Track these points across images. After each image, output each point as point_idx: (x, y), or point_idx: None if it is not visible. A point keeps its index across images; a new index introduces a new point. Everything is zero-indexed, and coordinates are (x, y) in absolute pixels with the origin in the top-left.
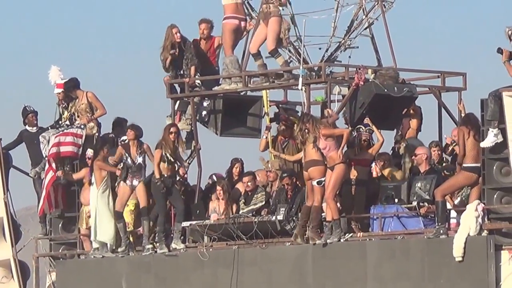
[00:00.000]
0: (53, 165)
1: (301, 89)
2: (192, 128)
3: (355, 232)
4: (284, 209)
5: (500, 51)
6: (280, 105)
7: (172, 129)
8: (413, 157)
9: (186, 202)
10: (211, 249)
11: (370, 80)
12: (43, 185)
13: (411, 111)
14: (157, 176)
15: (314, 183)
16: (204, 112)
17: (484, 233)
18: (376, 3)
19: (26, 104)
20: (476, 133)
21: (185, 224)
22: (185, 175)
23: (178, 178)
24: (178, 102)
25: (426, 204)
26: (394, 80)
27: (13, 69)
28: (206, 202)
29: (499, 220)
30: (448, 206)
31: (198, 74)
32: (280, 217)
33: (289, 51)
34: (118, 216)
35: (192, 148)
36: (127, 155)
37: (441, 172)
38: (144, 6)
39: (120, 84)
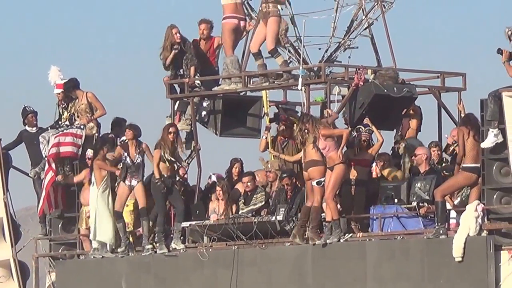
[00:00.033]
0: (53, 165)
1: (301, 90)
2: (192, 128)
3: (355, 232)
4: (283, 209)
5: (500, 51)
6: (280, 106)
7: (171, 129)
8: (413, 157)
9: (186, 202)
10: (210, 250)
11: (370, 81)
12: (42, 186)
13: (411, 112)
14: (157, 176)
15: (314, 183)
16: (203, 113)
17: (484, 233)
18: (376, 3)
19: (26, 104)
20: (476, 134)
21: (185, 224)
22: (185, 175)
23: (178, 178)
24: (177, 102)
25: (425, 204)
26: (394, 81)
27: (13, 69)
28: (206, 203)
29: (498, 221)
30: (448, 206)
31: (198, 74)
32: (279, 218)
33: (289, 51)
34: (117, 216)
35: (192, 148)
36: (126, 154)
37: (440, 173)
38: (144, 6)
39: (120, 84)
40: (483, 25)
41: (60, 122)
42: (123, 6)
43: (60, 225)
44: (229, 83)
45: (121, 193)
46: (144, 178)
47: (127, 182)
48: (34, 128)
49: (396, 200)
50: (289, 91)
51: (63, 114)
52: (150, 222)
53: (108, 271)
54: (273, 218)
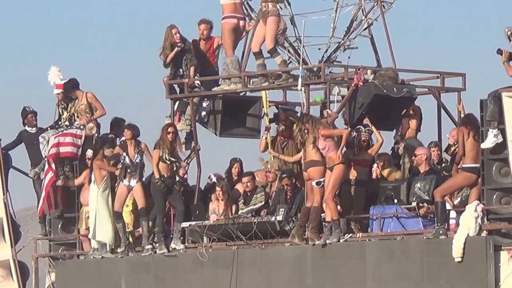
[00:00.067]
0: (53, 165)
1: (301, 90)
2: (192, 129)
3: (355, 232)
4: (283, 209)
5: (499, 52)
6: (280, 106)
7: (169, 129)
8: (413, 158)
9: (185, 203)
10: (210, 250)
11: (370, 81)
12: (42, 186)
13: (411, 112)
14: (157, 176)
15: (313, 183)
16: (203, 113)
17: (484, 233)
18: (376, 3)
19: (25, 104)
20: (476, 134)
21: (185, 224)
22: (185, 175)
23: (178, 178)
24: (177, 102)
25: (425, 204)
26: (394, 81)
27: (13, 69)
28: (205, 203)
29: (498, 221)
30: (448, 206)
31: (198, 74)
32: (279, 218)
33: (289, 51)
34: (117, 216)
35: (192, 148)
36: (125, 154)
37: (440, 173)
38: (144, 6)
39: (119, 84)
40: (483, 25)
41: (59, 123)
42: (123, 6)
43: (59, 226)
44: (228, 83)
45: (120, 193)
46: (144, 178)
47: (125, 182)
48: (34, 128)
49: (395, 200)
50: (289, 92)
51: (62, 115)
52: (150, 222)
53: (108, 271)
54: (273, 218)
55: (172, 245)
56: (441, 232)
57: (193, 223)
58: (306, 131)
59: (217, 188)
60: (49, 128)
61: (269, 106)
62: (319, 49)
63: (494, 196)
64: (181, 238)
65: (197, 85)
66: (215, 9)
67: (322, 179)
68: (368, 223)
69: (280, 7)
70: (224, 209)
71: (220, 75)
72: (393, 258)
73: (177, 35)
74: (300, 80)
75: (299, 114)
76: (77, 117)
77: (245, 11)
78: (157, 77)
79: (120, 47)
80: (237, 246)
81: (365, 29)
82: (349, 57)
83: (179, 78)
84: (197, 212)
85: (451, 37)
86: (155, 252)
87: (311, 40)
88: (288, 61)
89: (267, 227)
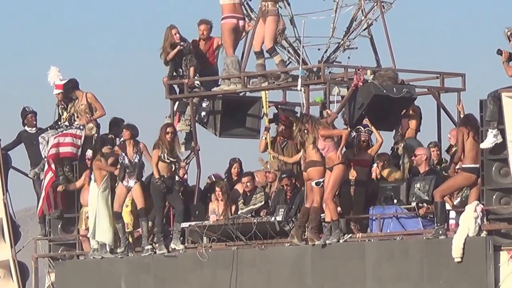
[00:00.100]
0: (53, 166)
1: (300, 90)
2: (191, 129)
3: (354, 233)
4: (283, 210)
5: (499, 52)
6: (279, 106)
7: (168, 129)
8: (413, 158)
9: (185, 203)
10: (210, 250)
11: (369, 81)
12: (42, 186)
13: (410, 112)
14: (156, 176)
15: (313, 184)
16: (203, 113)
17: (483, 233)
18: (375, 4)
19: (25, 104)
20: (476, 134)
21: (184, 225)
22: (185, 175)
23: (177, 178)
24: (177, 102)
25: (425, 204)
26: (393, 81)
27: (13, 69)
28: (205, 203)
29: (498, 221)
30: (447, 206)
31: (197, 75)
32: (279, 218)
33: (288, 51)
34: (116, 216)
35: (191, 148)
36: (123, 154)
37: (440, 173)
38: (143, 6)
39: (119, 84)
40: (482, 25)
41: (59, 123)
42: (123, 6)
43: (59, 226)
44: (228, 83)
45: (119, 193)
46: (144, 178)
47: (124, 182)
48: (34, 129)
49: (395, 201)
50: (289, 92)
51: (62, 115)
52: (150, 223)
53: (108, 272)
54: (273, 218)
55: (172, 246)
56: (440, 232)
57: (193, 223)
58: (305, 131)
59: (217, 189)
60: (48, 129)
61: (269, 107)
62: (319, 49)
63: (494, 197)
64: (181, 238)
65: (196, 85)
66: (215, 9)
67: (321, 180)
68: (367, 223)
69: (280, 7)
70: (224, 209)
71: (220, 75)
72: (393, 259)
73: (177, 35)
74: (299, 80)
75: (298, 115)
76: (77, 117)
77: (245, 11)
78: (157, 77)
79: (120, 47)
80: (236, 246)
81: (364, 29)
82: (348, 58)
83: (179, 78)
84: (197, 212)
85: (451, 37)
86: (155, 252)
87: (311, 40)
88: (287, 62)
89: (266, 227)
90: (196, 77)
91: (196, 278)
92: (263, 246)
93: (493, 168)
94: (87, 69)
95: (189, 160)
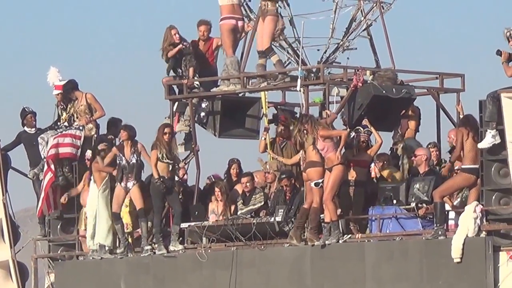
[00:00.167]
0: (52, 166)
1: (300, 91)
2: (191, 129)
3: (354, 233)
4: (282, 210)
5: (499, 53)
6: (279, 107)
7: (166, 130)
8: (413, 158)
9: (185, 203)
10: (209, 250)
11: (369, 82)
12: (41, 187)
13: (410, 112)
14: (156, 176)
15: (312, 184)
16: (202, 114)
17: (483, 234)
18: (375, 4)
19: (25, 105)
20: (475, 135)
21: (184, 225)
22: (185, 176)
23: (177, 179)
24: (176, 103)
25: (424, 205)
26: (393, 82)
27: (12, 69)
28: (205, 203)
29: (497, 221)
30: (447, 207)
31: (197, 75)
32: (278, 219)
33: (288, 52)
34: (115, 217)
35: (191, 149)
36: (121, 155)
37: (439, 174)
38: (143, 6)
39: (119, 84)
40: (482, 26)
41: (59, 123)
42: (123, 6)
43: (59, 226)
44: (228, 84)
45: (118, 194)
46: (144, 178)
47: (122, 184)
48: (33, 129)
49: (395, 201)
50: (288, 92)
51: (62, 115)
52: (149, 223)
53: (107, 272)
54: (272, 219)
55: (171, 247)
56: (440, 232)
57: (192, 223)
58: (305, 131)
59: (216, 189)
60: (48, 129)
61: (268, 107)
62: (318, 50)
63: (493, 197)
64: (180, 239)
65: (196, 86)
66: (215, 10)
67: (320, 180)
68: (367, 223)
69: (280, 6)
70: (223, 209)
71: (219, 75)
72: (392, 259)
73: (177, 35)
74: (299, 81)
75: (298, 115)
76: (77, 117)
77: (244, 12)
78: (157, 77)
79: (120, 47)
80: (236, 246)
81: (364, 30)
82: (348, 58)
83: (178, 79)
84: (196, 212)
85: (450, 38)
86: (154, 252)
87: (310, 41)
88: (287, 62)
89: (266, 227)
90: (195, 78)
91: (196, 278)
92: (262, 247)
93: (493, 169)
94: (87, 69)
95: (188, 161)
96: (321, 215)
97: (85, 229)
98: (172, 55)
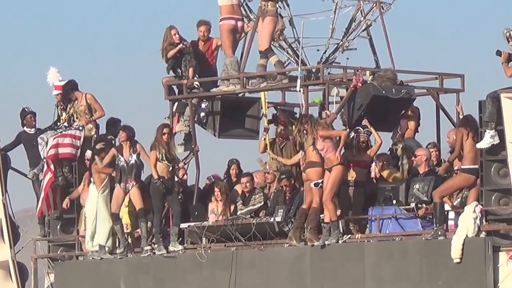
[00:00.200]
0: (52, 166)
1: (299, 91)
2: (191, 130)
3: (353, 233)
4: (282, 210)
5: (498, 53)
6: (278, 107)
7: (164, 130)
8: (413, 158)
9: (184, 203)
10: (209, 251)
11: (368, 82)
12: (41, 187)
13: (409, 113)
14: (155, 177)
15: (312, 185)
16: (202, 114)
17: (482, 234)
18: (374, 5)
19: (24, 105)
20: (475, 135)
21: (184, 225)
22: (185, 176)
23: (177, 179)
24: (176, 103)
25: (424, 205)
26: (392, 82)
27: (12, 69)
28: (205, 204)
29: (497, 222)
30: (447, 207)
31: (197, 75)
32: (278, 219)
33: (287, 52)
34: (114, 218)
35: (191, 149)
36: (120, 156)
37: (439, 174)
38: (144, 6)
39: (119, 85)
40: (482, 26)
41: (58, 124)
42: (122, 6)
43: (58, 226)
44: (227, 84)
45: (117, 195)
46: (144, 178)
47: (122, 184)
48: (33, 129)
49: (394, 201)
50: (288, 93)
51: (61, 116)
52: (149, 223)
53: (107, 272)
54: (272, 219)
55: (171, 248)
56: (439, 233)
57: (192, 224)
58: (305, 132)
59: (216, 189)
60: (48, 129)
61: (268, 107)
62: (318, 50)
63: (493, 197)
64: (180, 239)
65: (196, 86)
66: (214, 10)
67: (320, 180)
68: (366, 224)
69: (280, 7)
70: (223, 209)
71: (219, 76)
72: (392, 259)
73: (176, 35)
74: (299, 81)
75: (297, 115)
76: (76, 118)
77: (244, 12)
78: (157, 78)
79: (120, 47)
80: (236, 247)
81: (363, 30)
82: (347, 58)
83: (178, 79)
84: (196, 213)
85: (450, 38)
86: (154, 253)
87: (310, 41)
88: (287, 62)
89: (266, 228)
90: (195, 78)
91: (195, 278)
92: (262, 247)
93: (492, 169)
94: (87, 69)
95: (188, 161)
96: (321, 215)
97: (85, 229)
98: (172, 55)
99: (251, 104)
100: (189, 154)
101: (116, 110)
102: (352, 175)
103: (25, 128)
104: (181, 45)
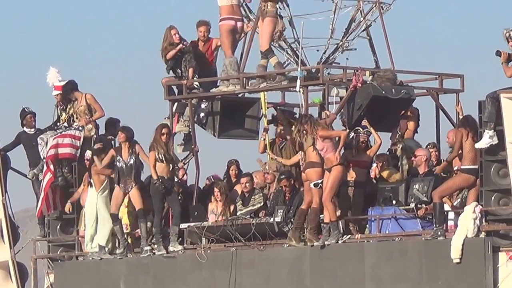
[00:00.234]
0: (51, 167)
1: (299, 91)
2: (190, 130)
3: (353, 233)
4: (282, 211)
5: (498, 53)
6: (278, 107)
7: (163, 130)
8: (413, 158)
9: (184, 204)
10: (209, 251)
11: (368, 82)
12: (41, 187)
13: (409, 113)
14: (154, 177)
15: (311, 185)
16: (202, 114)
17: (482, 234)
18: (374, 5)
19: (24, 105)
20: (475, 135)
21: (183, 225)
22: (185, 176)
23: (176, 179)
24: (176, 103)
25: (423, 205)
26: (392, 82)
27: (12, 69)
28: (204, 204)
29: (496, 222)
30: (446, 207)
31: (196, 76)
32: (278, 219)
33: (287, 52)
34: (113, 218)
35: (190, 150)
36: (119, 157)
37: (439, 174)
38: (144, 6)
39: (119, 85)
40: (481, 26)
41: (58, 124)
42: (122, 6)
43: (58, 227)
44: (227, 84)
45: (117, 196)
46: (144, 178)
47: (121, 185)
48: (33, 130)
49: (394, 202)
50: (287, 93)
51: (61, 116)
52: (149, 224)
53: (107, 273)
54: (271, 219)
55: (170, 248)
56: (439, 233)
57: (192, 224)
58: (304, 132)
59: (215, 189)
60: (47, 129)
61: (268, 108)
62: (318, 50)
63: (493, 198)
64: (180, 239)
65: (195, 86)
66: (215, 10)
67: (320, 181)
68: (366, 224)
69: (279, 7)
70: (223, 209)
71: (219, 76)
72: (392, 259)
73: (176, 35)
74: (298, 81)
75: (297, 116)
76: (76, 118)
77: (244, 13)
78: (156, 78)
79: (119, 47)
80: (235, 247)
81: (363, 30)
82: (347, 59)
83: (177, 79)
84: (196, 213)
85: (450, 38)
86: (154, 253)
87: (310, 41)
88: (286, 63)
89: (265, 228)
90: (195, 78)
91: (195, 279)
92: (262, 247)
93: (492, 169)
94: (87, 69)
95: (188, 161)
96: (321, 216)
97: (85, 230)
98: (172, 55)
99: (251, 105)
100: (188, 154)
101: (116, 110)
102: (351, 176)
103: (25, 128)
104: (181, 45)
